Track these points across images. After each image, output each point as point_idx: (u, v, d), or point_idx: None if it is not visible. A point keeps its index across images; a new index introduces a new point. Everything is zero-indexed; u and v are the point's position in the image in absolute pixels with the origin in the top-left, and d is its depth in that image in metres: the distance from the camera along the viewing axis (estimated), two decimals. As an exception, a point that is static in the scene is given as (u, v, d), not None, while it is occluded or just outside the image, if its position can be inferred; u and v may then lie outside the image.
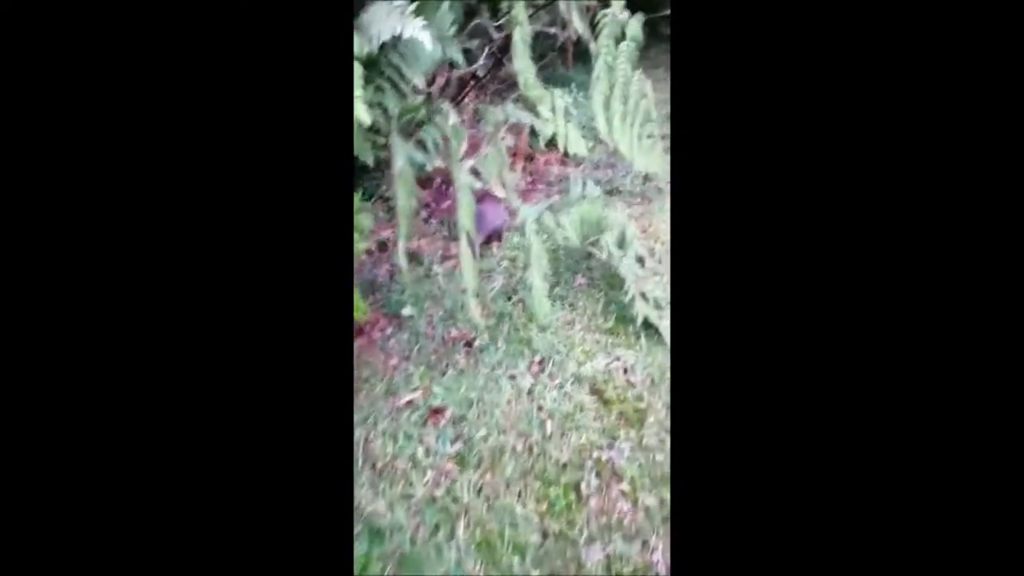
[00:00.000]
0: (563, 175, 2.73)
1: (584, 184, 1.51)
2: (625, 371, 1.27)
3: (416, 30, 0.96)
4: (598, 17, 1.65)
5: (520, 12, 1.58)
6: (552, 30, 2.71)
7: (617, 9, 1.65)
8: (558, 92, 2.73)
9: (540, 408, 1.17)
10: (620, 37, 1.68)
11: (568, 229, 1.37)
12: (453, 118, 1.20)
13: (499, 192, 1.28)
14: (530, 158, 3.00)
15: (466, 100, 3.01)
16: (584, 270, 1.66)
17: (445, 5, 1.44)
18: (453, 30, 1.50)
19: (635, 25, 1.65)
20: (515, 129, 3.01)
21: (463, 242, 1.09)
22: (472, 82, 2.68)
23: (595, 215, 1.48)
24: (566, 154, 2.61)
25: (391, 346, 1.45)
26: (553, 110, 2.65)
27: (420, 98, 1.19)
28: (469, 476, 1.04)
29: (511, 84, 3.15)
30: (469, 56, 2.48)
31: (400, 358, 1.41)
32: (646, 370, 1.26)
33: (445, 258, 1.86)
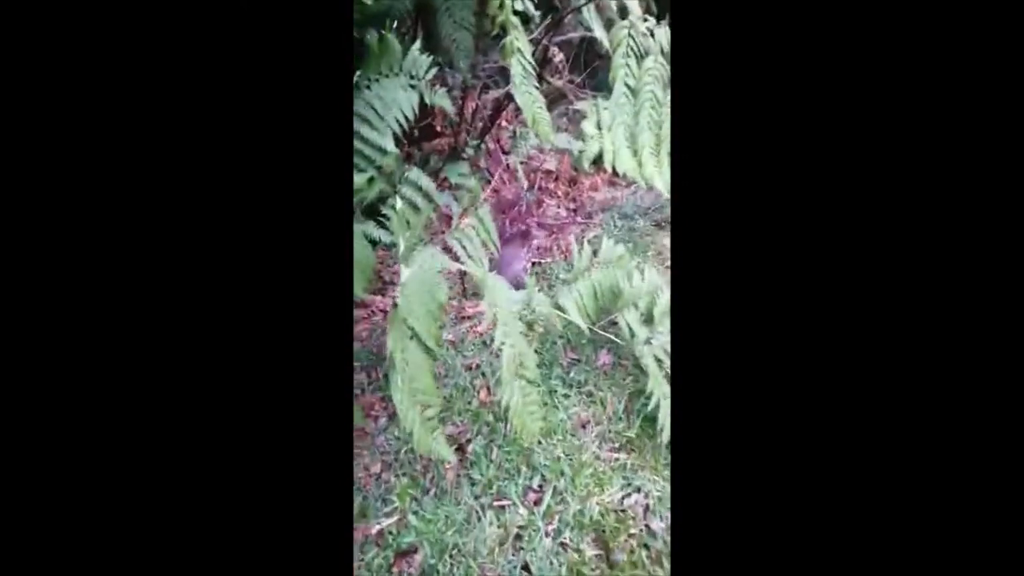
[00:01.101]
0: (609, 201, 2.41)
1: (595, 248, 1.21)
2: (645, 510, 0.96)
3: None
4: (612, 31, 1.34)
5: (518, 38, 1.31)
6: (597, 34, 2.40)
7: (636, 19, 1.32)
8: (604, 104, 2.39)
9: (527, 569, 0.90)
10: (644, 51, 1.35)
11: (572, 311, 1.08)
12: (399, 202, 0.97)
13: (476, 272, 1.03)
14: (573, 181, 2.71)
15: (504, 123, 2.78)
16: (610, 342, 1.36)
17: (415, 48, 1.22)
18: (432, 73, 1.27)
19: (663, 35, 1.32)
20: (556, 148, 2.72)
21: (395, 362, 0.85)
22: (507, 103, 2.43)
23: (612, 285, 1.17)
24: (615, 173, 2.28)
25: (379, 445, 1.26)
26: (599, 125, 2.32)
27: (367, 174, 0.98)
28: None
29: (555, 99, 2.87)
30: (506, 74, 2.25)
31: (383, 465, 1.21)
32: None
33: (459, 318, 1.64)
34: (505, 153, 2.59)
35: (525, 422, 0.92)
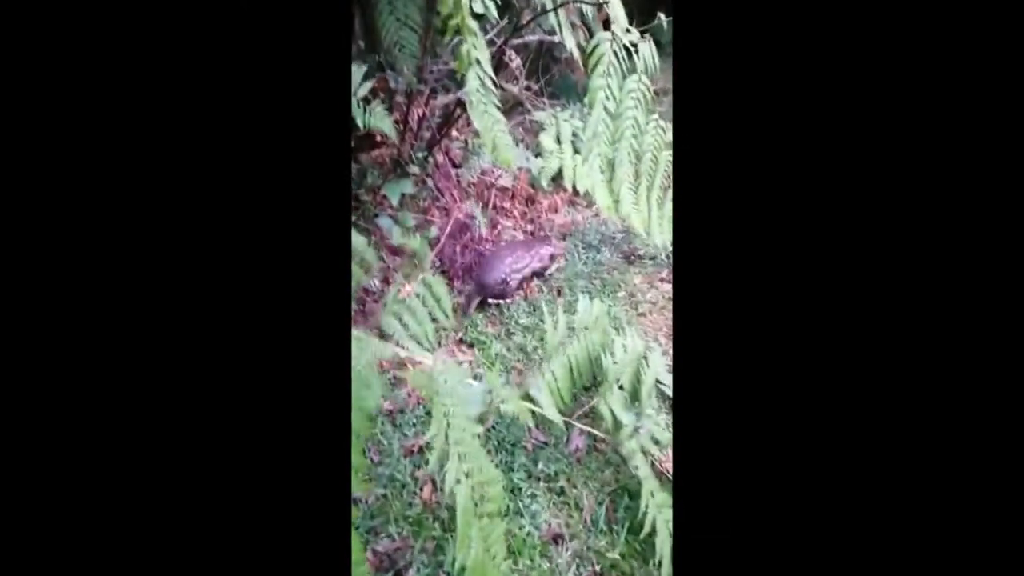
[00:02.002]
0: (570, 224, 2.20)
1: (574, 307, 0.99)
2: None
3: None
4: (590, 46, 1.11)
5: (476, 45, 1.06)
6: (556, 38, 2.18)
7: (619, 30, 1.10)
8: (564, 115, 2.16)
9: None
10: (627, 69, 1.14)
11: (546, 401, 0.85)
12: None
13: (425, 360, 0.78)
14: (530, 200, 2.48)
15: (455, 133, 2.50)
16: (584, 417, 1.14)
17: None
18: (368, 86, 1.00)
19: (647, 51, 1.11)
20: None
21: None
22: (458, 111, 2.16)
23: (591, 355, 0.95)
24: (576, 192, 2.07)
25: None
26: (559, 139, 2.09)
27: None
28: None
29: (510, 107, 2.61)
30: (456, 77, 1.98)
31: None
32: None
33: (397, 380, 1.36)
34: (455, 167, 2.32)
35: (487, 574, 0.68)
